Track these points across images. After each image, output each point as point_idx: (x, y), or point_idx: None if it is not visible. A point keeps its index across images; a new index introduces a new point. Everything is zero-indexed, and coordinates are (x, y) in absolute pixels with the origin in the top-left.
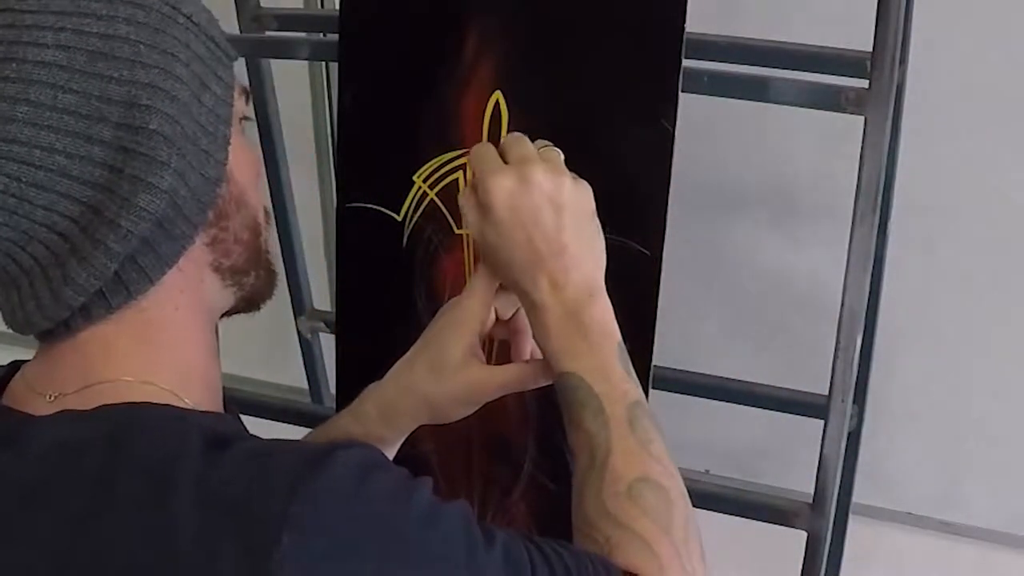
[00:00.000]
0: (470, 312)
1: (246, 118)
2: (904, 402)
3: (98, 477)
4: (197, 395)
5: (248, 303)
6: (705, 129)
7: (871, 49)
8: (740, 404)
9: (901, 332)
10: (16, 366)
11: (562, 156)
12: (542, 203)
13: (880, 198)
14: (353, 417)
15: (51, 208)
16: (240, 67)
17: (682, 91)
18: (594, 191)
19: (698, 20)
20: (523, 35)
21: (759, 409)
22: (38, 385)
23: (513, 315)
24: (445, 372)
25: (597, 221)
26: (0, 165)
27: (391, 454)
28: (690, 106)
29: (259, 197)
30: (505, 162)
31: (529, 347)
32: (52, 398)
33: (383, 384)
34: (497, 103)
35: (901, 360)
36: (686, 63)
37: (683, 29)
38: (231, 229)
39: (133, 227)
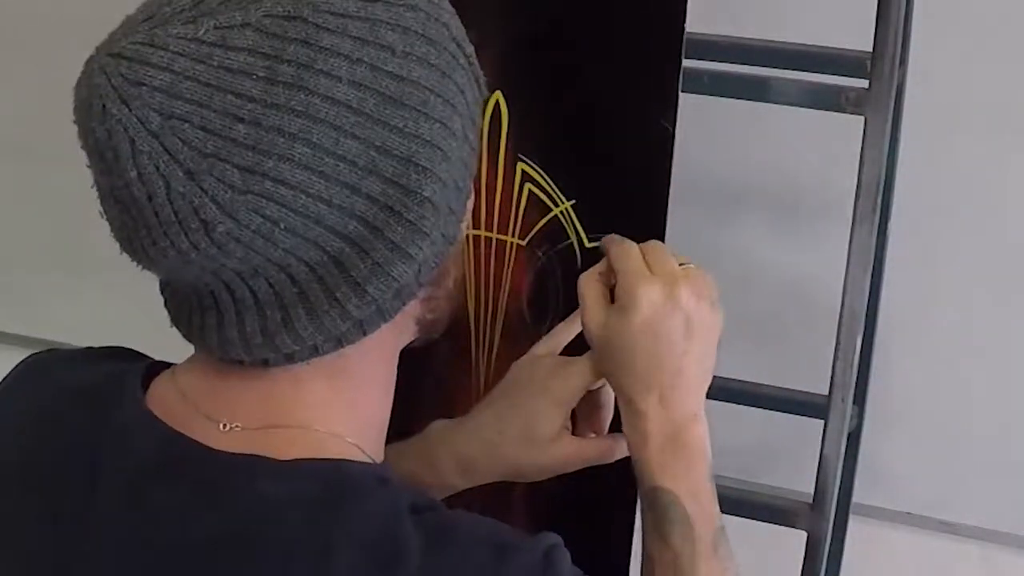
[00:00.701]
0: (570, 390)
1: None
2: (904, 402)
3: (309, 540)
4: (372, 444)
5: (422, 343)
6: (705, 129)
7: (871, 49)
8: (740, 404)
9: (901, 332)
10: (155, 368)
11: (706, 277)
12: (679, 324)
13: (880, 198)
14: (427, 464)
15: (292, 252)
16: None
17: (682, 91)
18: (594, 191)
19: (698, 20)
20: (523, 35)
21: (759, 409)
22: (209, 409)
23: (599, 389)
24: (538, 445)
25: (715, 351)
26: (260, 205)
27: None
28: (690, 106)
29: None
30: (649, 268)
31: (608, 421)
32: (227, 427)
33: (463, 437)
34: (497, 103)
35: (901, 360)
36: (686, 63)
37: (683, 29)
38: (446, 285)
39: (379, 295)
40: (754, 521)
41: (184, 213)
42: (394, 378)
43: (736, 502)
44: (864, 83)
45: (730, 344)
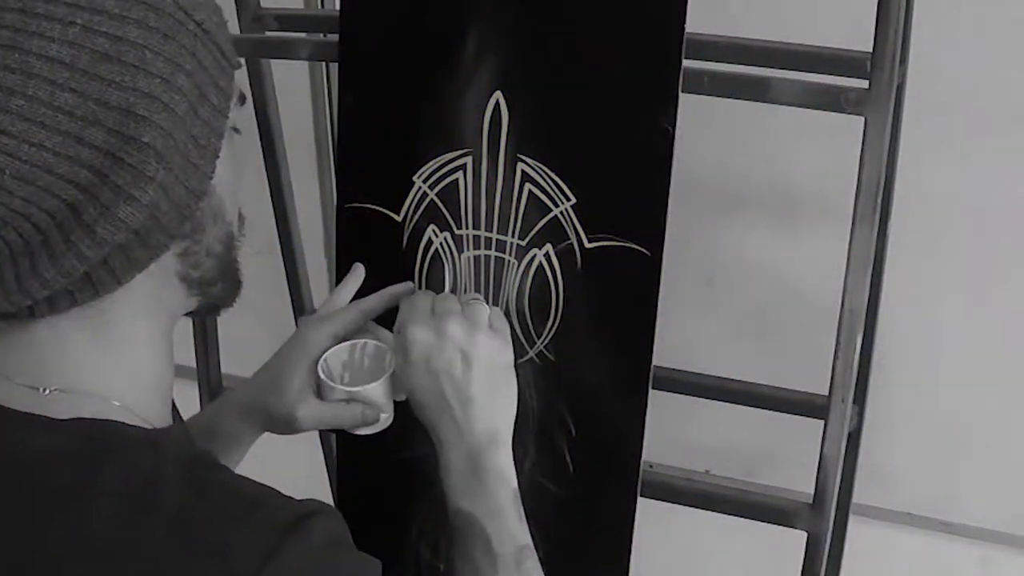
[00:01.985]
0: (320, 342)
1: (235, 129)
2: (904, 402)
3: (72, 492)
4: (147, 406)
5: (209, 310)
6: (705, 129)
7: (871, 49)
8: (740, 404)
9: (901, 332)
10: None
11: (487, 311)
12: (454, 356)
13: (880, 198)
14: (224, 414)
15: (30, 200)
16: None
17: (682, 91)
18: (594, 191)
19: (698, 20)
20: (523, 35)
21: (759, 409)
22: None
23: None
24: (283, 393)
25: (511, 372)
26: None
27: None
28: (690, 106)
29: (235, 207)
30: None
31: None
32: (12, 383)
33: (246, 384)
34: (497, 103)
35: (901, 360)
36: (686, 63)
37: (683, 29)
38: (204, 242)
39: (109, 236)
40: (754, 521)
41: None
42: (169, 342)
43: (736, 502)
44: (864, 83)
45: (730, 344)
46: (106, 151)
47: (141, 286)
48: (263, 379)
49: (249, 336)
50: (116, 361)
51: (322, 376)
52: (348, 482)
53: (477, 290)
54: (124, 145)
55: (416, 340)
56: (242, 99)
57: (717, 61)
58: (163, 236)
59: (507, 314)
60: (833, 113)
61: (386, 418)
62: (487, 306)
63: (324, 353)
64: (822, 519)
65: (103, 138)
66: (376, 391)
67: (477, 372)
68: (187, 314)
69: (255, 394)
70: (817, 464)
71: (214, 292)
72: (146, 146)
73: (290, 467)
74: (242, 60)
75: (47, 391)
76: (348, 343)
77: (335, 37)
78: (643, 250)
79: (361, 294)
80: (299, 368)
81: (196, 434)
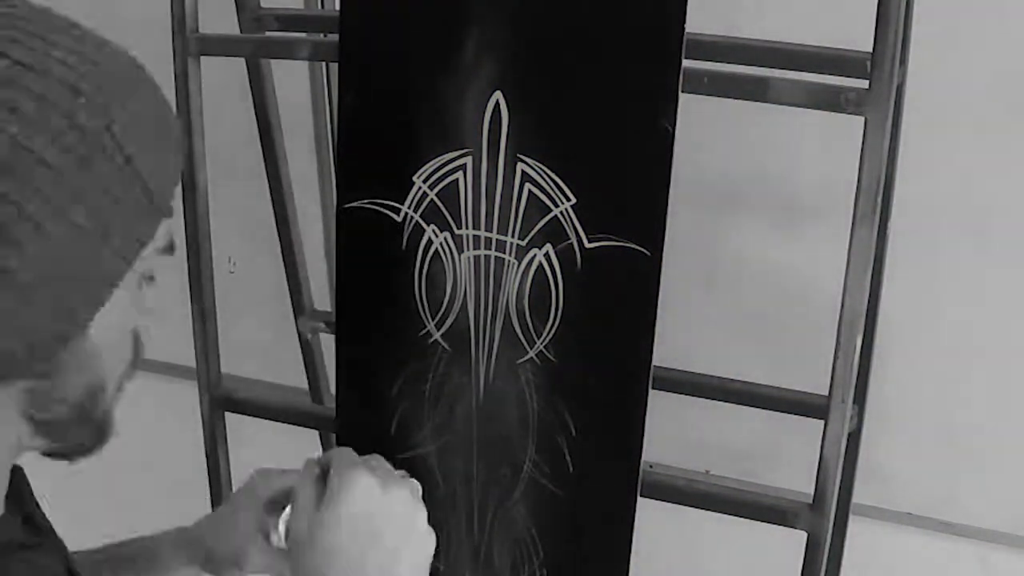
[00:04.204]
0: (269, 490)
1: (150, 278)
2: (904, 402)
3: None
4: None
5: (62, 455)
6: (705, 129)
7: (871, 49)
8: (740, 404)
9: (901, 332)
10: None
11: (419, 489)
12: (397, 520)
13: (880, 198)
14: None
15: None
16: (240, 67)
17: (682, 91)
18: (594, 191)
19: (698, 20)
20: (523, 35)
21: (759, 409)
22: None
23: None
24: (225, 536)
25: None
26: None
27: None
28: (690, 106)
29: (121, 366)
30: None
31: None
32: None
33: (200, 525)
34: (497, 103)
35: (901, 360)
36: (686, 63)
37: (683, 29)
38: (59, 387)
39: None
40: (754, 521)
41: None
42: (4, 480)
43: (736, 502)
44: (864, 83)
45: (730, 344)
46: None
47: None
48: (211, 519)
49: (249, 336)
50: None
51: (281, 528)
52: None
53: (477, 290)
54: None
55: (361, 488)
56: (171, 248)
57: (717, 61)
58: (7, 367)
59: (507, 314)
60: (833, 113)
61: None
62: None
63: (273, 495)
64: (822, 519)
65: None
66: None
67: (409, 551)
68: (44, 454)
69: (199, 531)
70: (817, 464)
71: (69, 437)
72: (3, 273)
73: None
74: (241, 59)
75: None
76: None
77: (335, 37)
78: (643, 250)
79: (361, 293)
80: (248, 511)
81: (123, 558)
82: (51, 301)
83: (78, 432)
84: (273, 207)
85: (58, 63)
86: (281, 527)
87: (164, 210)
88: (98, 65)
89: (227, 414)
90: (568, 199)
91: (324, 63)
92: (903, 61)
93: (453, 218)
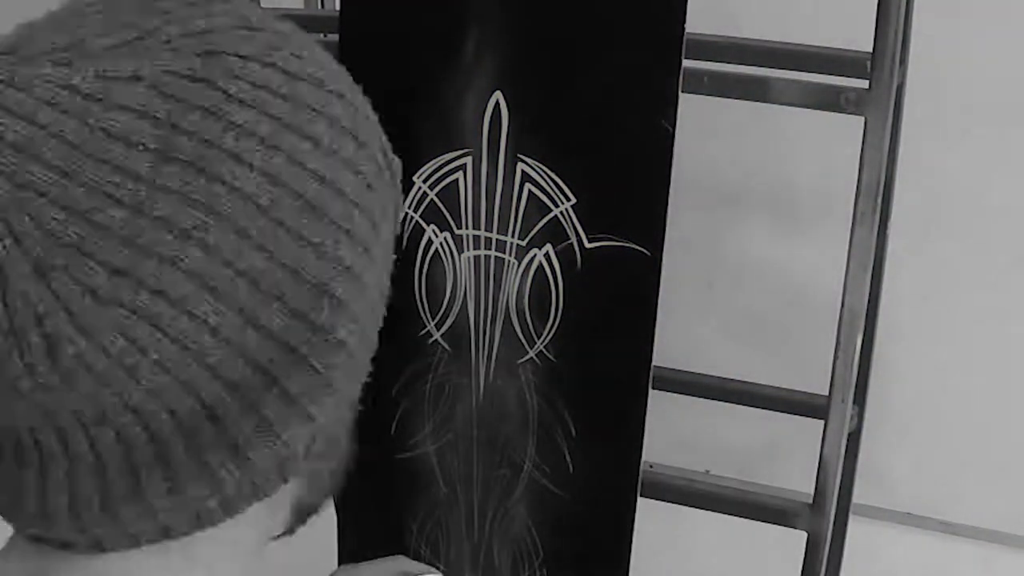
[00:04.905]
0: None
1: None
2: (904, 402)
3: None
4: None
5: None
6: (705, 129)
7: (871, 49)
8: (740, 404)
9: (901, 332)
10: None
11: None
12: None
13: (880, 198)
14: None
15: (157, 394)
16: None
17: (682, 91)
18: (594, 191)
19: (698, 20)
20: (523, 35)
21: (759, 409)
22: None
23: None
24: None
25: None
26: (128, 325)
27: None
28: (690, 106)
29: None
30: None
31: None
32: None
33: None
34: (497, 103)
35: (901, 360)
36: (686, 63)
37: (683, 29)
38: (336, 458)
39: (262, 463)
40: (754, 521)
41: (22, 322)
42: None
43: (736, 502)
44: (864, 83)
45: (730, 344)
46: (284, 343)
47: (250, 516)
48: None
49: None
50: None
51: None
52: (348, 481)
53: (477, 290)
54: (309, 337)
55: None
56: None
57: (717, 61)
58: (304, 460)
59: (507, 314)
60: (833, 113)
61: None
62: None
63: None
64: (822, 519)
65: (283, 323)
66: None
67: None
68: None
69: None
70: (817, 464)
71: (311, 514)
72: (341, 345)
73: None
74: None
75: None
76: None
77: (335, 37)
78: (643, 250)
79: None
80: None
81: None
82: (360, 362)
83: (319, 507)
84: None
85: (317, 65)
86: None
87: (398, 222)
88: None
89: None
90: (568, 199)
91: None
92: (903, 61)
93: (453, 218)
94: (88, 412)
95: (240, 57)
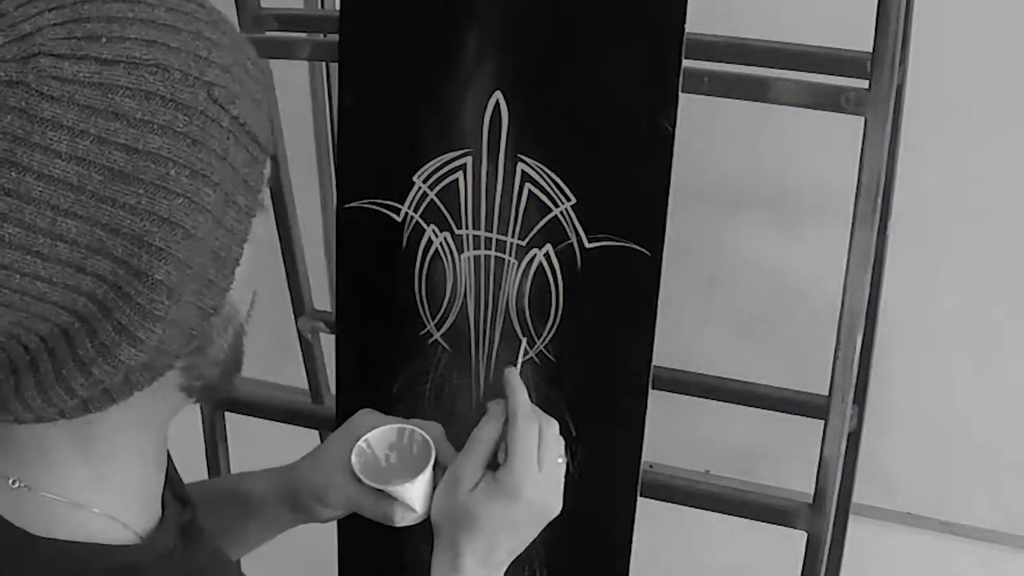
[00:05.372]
0: (364, 427)
1: (262, 206)
2: (904, 402)
3: None
4: (132, 515)
5: (208, 399)
6: (705, 129)
7: (871, 49)
8: (740, 404)
9: (901, 332)
10: None
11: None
12: (539, 524)
13: (880, 198)
14: (277, 489)
15: (19, 324)
16: None
17: (682, 91)
18: (594, 191)
19: (698, 20)
20: (523, 35)
21: (759, 409)
22: None
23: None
24: (326, 474)
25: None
26: None
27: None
28: (690, 106)
29: (250, 293)
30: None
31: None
32: (15, 484)
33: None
34: (497, 103)
35: (901, 360)
36: (686, 63)
37: (683, 30)
38: (211, 354)
39: (106, 377)
40: (754, 521)
41: None
42: (162, 448)
43: (736, 502)
44: (864, 83)
45: (730, 344)
46: (112, 283)
47: (136, 400)
48: (304, 458)
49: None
50: (99, 473)
51: (354, 459)
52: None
53: (477, 290)
54: (133, 279)
55: (527, 501)
56: (269, 184)
57: (717, 61)
58: (167, 360)
59: (507, 314)
60: (833, 113)
61: (416, 516)
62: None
63: (368, 433)
64: (822, 519)
65: (109, 267)
66: (413, 490)
67: (532, 535)
68: None
69: (290, 470)
70: (817, 464)
71: (216, 388)
72: (159, 284)
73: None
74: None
75: (16, 483)
76: (397, 426)
77: (335, 37)
78: (643, 250)
79: (361, 293)
80: (339, 445)
81: (219, 496)
82: (195, 286)
83: (224, 380)
84: (273, 207)
85: (139, 45)
86: (354, 458)
87: (268, 150)
88: (179, 31)
89: (227, 414)
90: (568, 199)
91: (324, 63)
92: (903, 61)
93: (453, 218)
94: None
95: (54, 56)
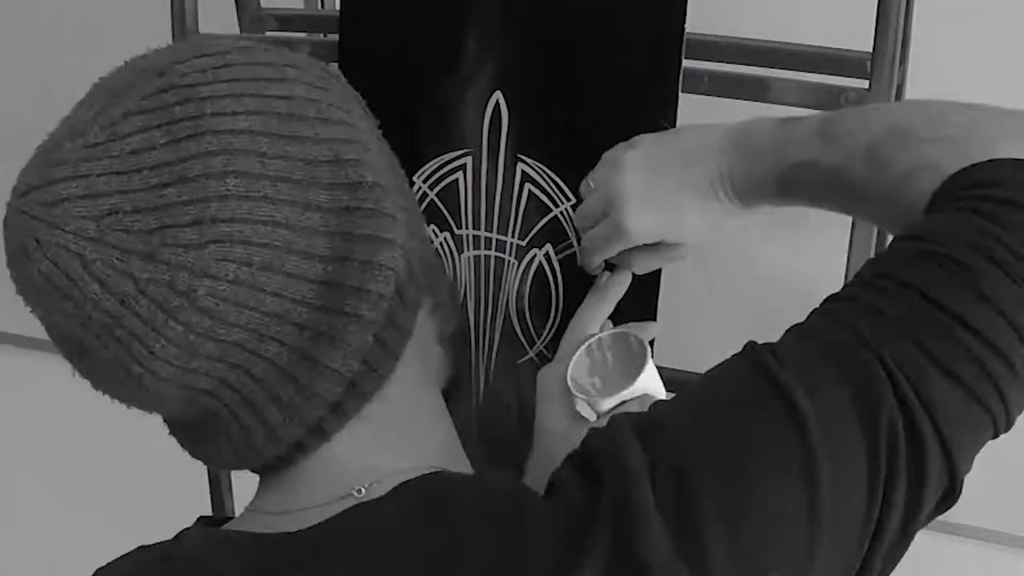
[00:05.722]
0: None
1: None
2: None
3: (438, 539)
4: (452, 465)
5: (450, 384)
6: None
7: (871, 49)
8: None
9: None
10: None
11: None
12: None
13: None
14: None
15: (282, 294)
16: None
17: (682, 91)
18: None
19: (698, 20)
20: (523, 36)
21: None
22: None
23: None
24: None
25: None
26: (224, 251)
27: None
28: (690, 106)
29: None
30: None
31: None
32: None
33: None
34: (497, 103)
35: None
36: (686, 63)
37: (683, 30)
38: (444, 291)
39: (383, 289)
40: None
41: (161, 296)
42: (447, 412)
43: None
44: (864, 83)
45: (730, 344)
46: (337, 208)
47: (412, 358)
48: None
49: None
50: (411, 446)
51: (577, 395)
52: None
53: (477, 290)
54: (352, 193)
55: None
56: None
57: (717, 61)
58: (416, 290)
59: (507, 314)
60: None
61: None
62: None
63: (568, 374)
64: None
65: (327, 195)
66: (650, 380)
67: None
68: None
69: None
70: None
71: (458, 356)
72: (374, 185)
73: None
74: None
75: (361, 490)
76: (582, 349)
77: (335, 37)
78: None
79: None
80: (552, 410)
81: None
82: (400, 199)
83: (461, 349)
84: None
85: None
86: (576, 393)
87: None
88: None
89: None
90: (568, 199)
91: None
92: (903, 61)
93: (453, 218)
94: (247, 338)
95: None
